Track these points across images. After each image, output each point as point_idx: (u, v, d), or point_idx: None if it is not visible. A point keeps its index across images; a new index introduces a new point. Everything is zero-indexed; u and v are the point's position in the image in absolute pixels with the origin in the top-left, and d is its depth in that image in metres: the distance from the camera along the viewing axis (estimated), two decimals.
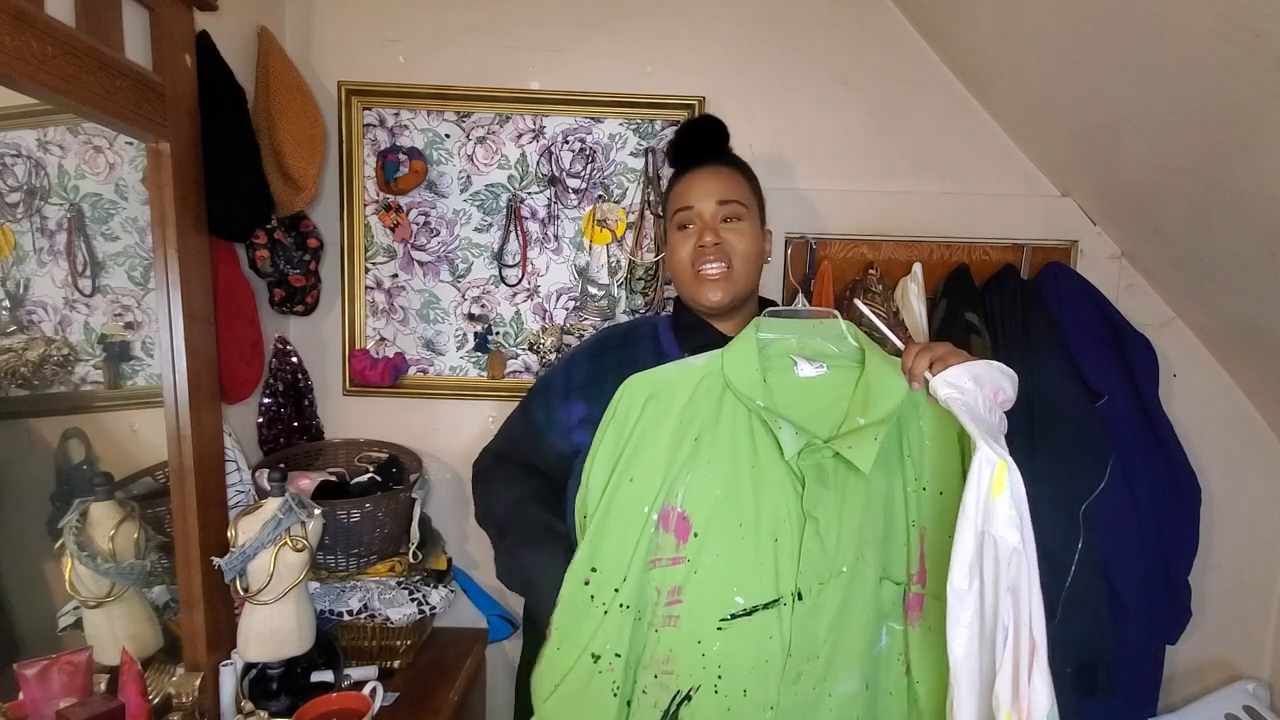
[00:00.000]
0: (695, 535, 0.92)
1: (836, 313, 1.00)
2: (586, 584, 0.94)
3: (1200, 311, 1.58)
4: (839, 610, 0.90)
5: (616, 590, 0.92)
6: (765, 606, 0.90)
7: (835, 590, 0.90)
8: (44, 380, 1.09)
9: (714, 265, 1.06)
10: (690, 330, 1.11)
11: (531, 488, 1.12)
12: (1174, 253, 1.49)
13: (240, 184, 1.29)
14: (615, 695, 0.92)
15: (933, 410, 0.94)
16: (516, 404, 1.23)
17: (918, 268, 1.54)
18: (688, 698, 0.91)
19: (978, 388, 0.86)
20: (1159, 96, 1.19)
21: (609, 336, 1.18)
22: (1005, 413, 0.89)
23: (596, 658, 0.92)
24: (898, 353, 0.97)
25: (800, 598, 0.90)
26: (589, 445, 1.01)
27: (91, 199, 1.15)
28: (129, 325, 1.20)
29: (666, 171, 1.60)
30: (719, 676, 0.91)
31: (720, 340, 1.07)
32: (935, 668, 0.91)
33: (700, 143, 1.15)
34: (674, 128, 1.59)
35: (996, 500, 0.75)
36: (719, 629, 0.91)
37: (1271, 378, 1.54)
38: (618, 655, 0.92)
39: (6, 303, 1.06)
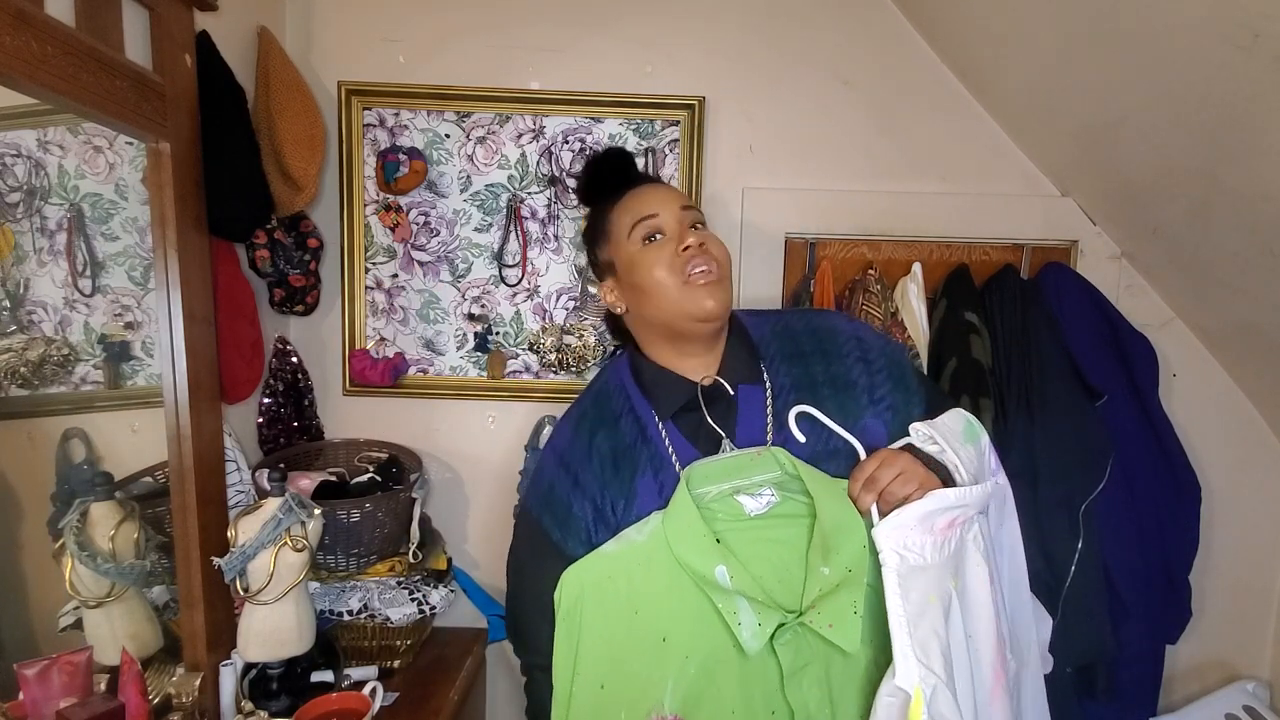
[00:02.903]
0: None
1: (765, 448, 0.90)
2: None
3: (1200, 311, 1.58)
4: None
5: None
6: None
7: None
8: (44, 380, 1.09)
9: (708, 272, 0.93)
10: (658, 390, 0.98)
11: None
12: (1174, 253, 1.49)
13: (240, 184, 1.29)
14: None
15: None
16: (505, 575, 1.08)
17: (917, 268, 1.54)
18: None
19: (926, 534, 0.79)
20: (1159, 96, 1.19)
21: (583, 418, 1.03)
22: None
23: None
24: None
25: None
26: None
27: (91, 199, 1.15)
28: (129, 325, 1.20)
29: (667, 171, 1.60)
30: None
31: (694, 400, 0.96)
32: None
33: (619, 170, 1.05)
34: (674, 127, 1.59)
35: None
36: None
37: (1271, 378, 1.54)
38: None
39: (6, 303, 1.06)
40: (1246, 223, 1.24)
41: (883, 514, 0.81)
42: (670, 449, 0.96)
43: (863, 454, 0.87)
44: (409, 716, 1.29)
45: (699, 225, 0.99)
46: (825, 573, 0.83)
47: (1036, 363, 1.42)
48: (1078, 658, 1.39)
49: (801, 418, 0.90)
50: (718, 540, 0.86)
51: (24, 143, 1.07)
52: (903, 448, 0.87)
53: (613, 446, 0.98)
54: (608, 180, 1.04)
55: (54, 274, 1.11)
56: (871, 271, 1.55)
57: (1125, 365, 1.51)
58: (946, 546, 0.81)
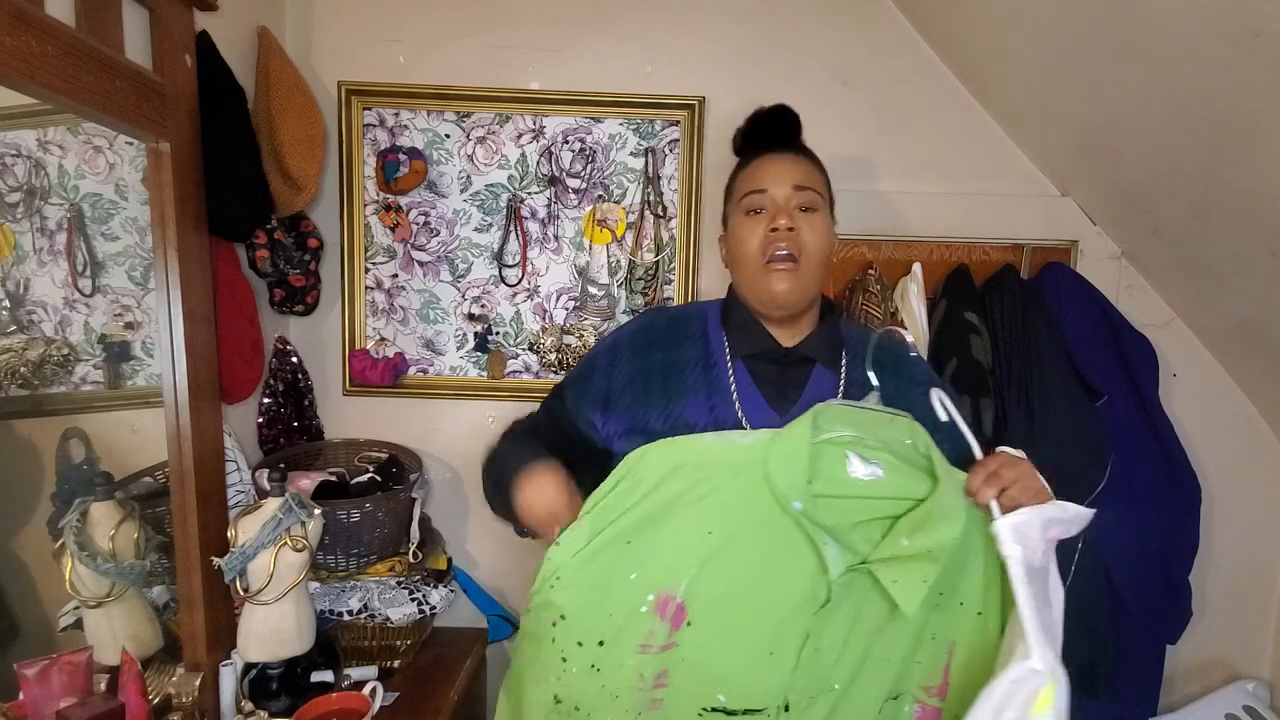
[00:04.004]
0: (689, 624, 0.87)
1: (909, 417, 0.89)
2: (554, 625, 0.88)
3: (1200, 311, 1.58)
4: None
5: (580, 644, 0.87)
6: (746, 713, 0.87)
7: (823, 705, 0.87)
8: (44, 380, 1.09)
9: (785, 252, 0.95)
10: (741, 332, 1.01)
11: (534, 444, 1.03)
12: (1174, 253, 1.49)
13: (240, 184, 1.29)
14: None
15: (982, 519, 0.84)
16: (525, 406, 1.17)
17: (917, 268, 1.54)
18: None
19: (1041, 537, 0.79)
20: (1159, 96, 1.19)
21: (654, 325, 1.06)
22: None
23: (558, 700, 0.89)
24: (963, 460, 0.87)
25: (787, 709, 0.87)
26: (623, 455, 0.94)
27: (91, 199, 1.15)
28: (129, 325, 1.20)
29: (667, 171, 1.61)
30: None
31: (775, 352, 0.99)
32: None
33: (776, 128, 1.04)
34: (674, 127, 1.59)
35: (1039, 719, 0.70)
36: (699, 717, 0.88)
37: (1271, 378, 1.54)
38: (577, 709, 0.88)
39: (6, 303, 1.06)
40: (1247, 222, 1.24)
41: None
42: (733, 383, 0.99)
43: (978, 452, 0.87)
44: (409, 716, 1.29)
45: (807, 209, 0.98)
46: (904, 544, 0.83)
47: (1036, 363, 1.42)
48: (1078, 658, 1.39)
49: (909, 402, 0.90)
50: (809, 481, 0.85)
51: (24, 143, 1.07)
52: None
53: (666, 364, 1.01)
54: (759, 138, 1.05)
55: (54, 274, 1.11)
56: (871, 271, 1.55)
57: (1125, 365, 1.51)
58: (1045, 558, 0.81)
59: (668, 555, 0.87)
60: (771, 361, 1.00)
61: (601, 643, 0.87)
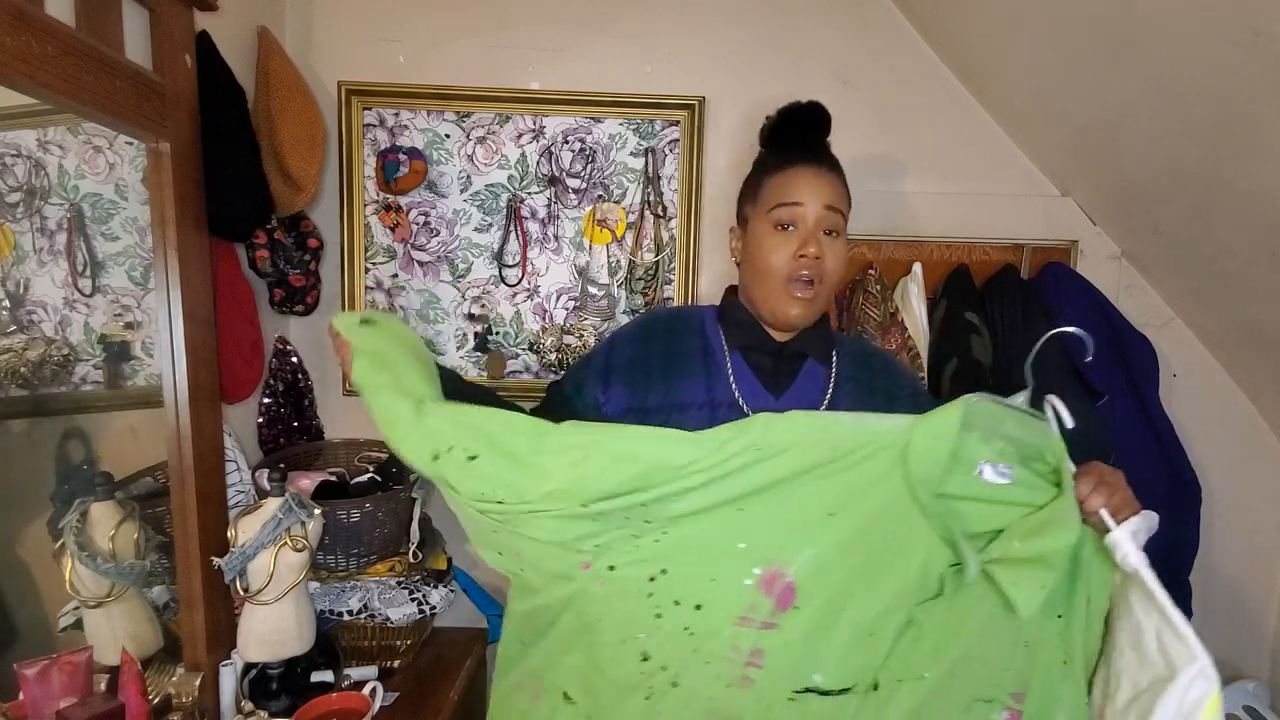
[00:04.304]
0: (796, 609, 0.84)
1: (1046, 424, 0.87)
2: (652, 579, 0.85)
3: (1200, 311, 1.58)
4: (910, 712, 0.86)
5: (677, 603, 0.85)
6: (840, 692, 0.86)
7: (910, 692, 0.86)
8: (44, 380, 1.09)
9: (807, 287, 0.97)
10: (738, 328, 1.04)
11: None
12: (1174, 253, 1.49)
13: (240, 184, 1.29)
14: (647, 699, 0.88)
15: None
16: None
17: (918, 268, 1.54)
18: None
19: (1139, 547, 0.80)
20: (1159, 96, 1.19)
21: (654, 320, 1.09)
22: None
23: (646, 657, 0.87)
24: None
25: (875, 688, 0.86)
26: None
27: (91, 199, 1.15)
28: (129, 325, 1.20)
29: (667, 171, 1.61)
30: None
31: (770, 345, 1.02)
32: None
33: (809, 130, 1.04)
34: (674, 127, 1.59)
35: None
36: (790, 699, 0.86)
37: (1271, 378, 1.54)
38: (664, 669, 0.87)
39: (6, 303, 1.06)
40: (1247, 222, 1.24)
41: (1091, 521, 0.82)
42: (730, 369, 1.02)
43: (1070, 469, 0.85)
44: (409, 716, 1.29)
45: (833, 232, 0.99)
46: (1016, 546, 0.82)
47: (1036, 363, 1.42)
48: None
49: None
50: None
51: (24, 143, 1.07)
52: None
53: (666, 350, 1.04)
54: (789, 136, 1.05)
55: (54, 274, 1.11)
56: (871, 271, 1.55)
57: (1125, 365, 1.51)
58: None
59: (783, 531, 0.84)
60: (766, 354, 1.03)
61: (699, 606, 0.85)
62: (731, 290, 1.10)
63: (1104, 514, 0.81)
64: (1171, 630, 0.74)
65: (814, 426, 0.84)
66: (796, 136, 1.04)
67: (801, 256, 0.96)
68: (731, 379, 1.01)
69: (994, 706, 0.88)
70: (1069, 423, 0.86)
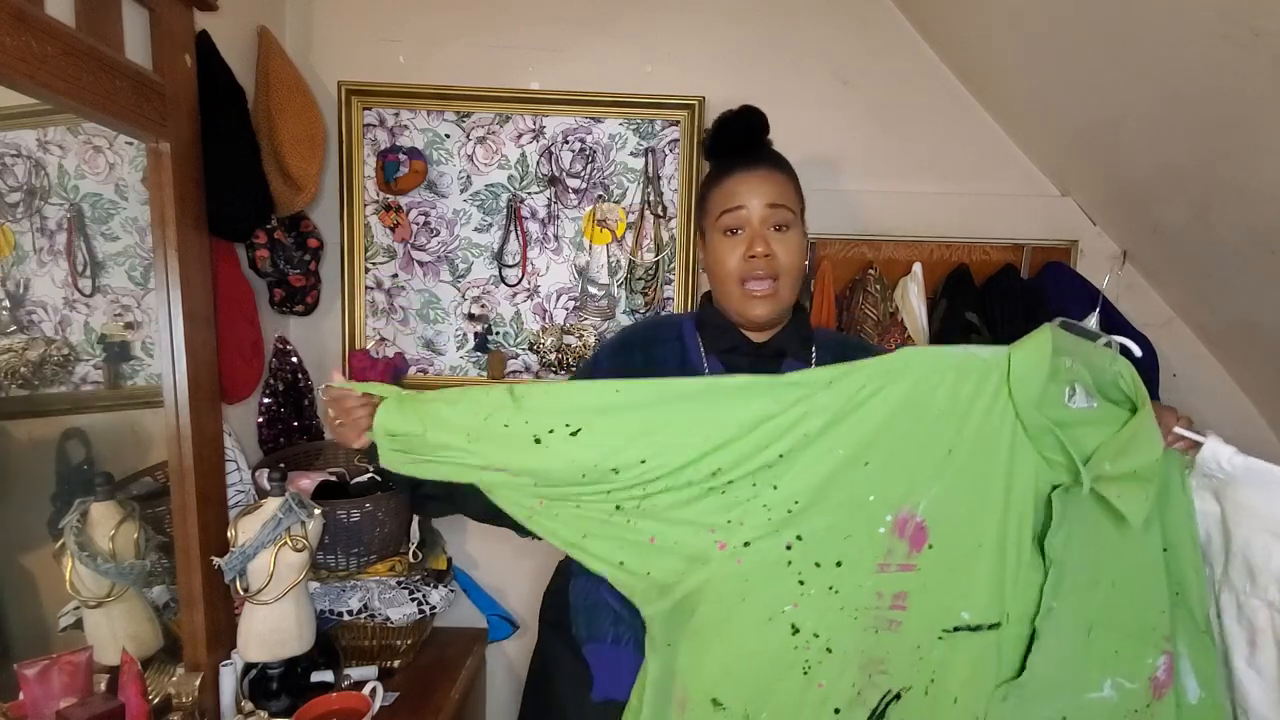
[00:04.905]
0: (930, 547, 0.86)
1: (1112, 340, 0.91)
2: (789, 548, 0.86)
3: (1200, 311, 1.58)
4: (1056, 644, 0.87)
5: (818, 565, 0.85)
6: (990, 627, 0.87)
7: (1055, 625, 0.87)
8: (44, 380, 1.09)
9: (762, 283, 1.00)
10: (716, 333, 1.06)
11: None
12: (1174, 252, 1.49)
13: (240, 184, 1.29)
14: (805, 674, 0.87)
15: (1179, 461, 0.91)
16: None
17: (918, 268, 1.54)
18: (897, 697, 0.88)
19: None
20: (1159, 95, 1.19)
21: (633, 334, 1.13)
22: None
23: (796, 630, 0.86)
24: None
25: (1030, 622, 0.87)
26: None
27: (91, 199, 1.15)
28: (129, 325, 1.20)
29: (667, 171, 1.61)
30: (932, 680, 0.88)
31: (747, 346, 1.04)
32: None
33: (744, 135, 1.07)
34: (674, 127, 1.59)
35: None
36: (939, 638, 0.87)
37: (1271, 377, 1.54)
38: (816, 636, 0.86)
39: (6, 303, 1.06)
40: (1247, 221, 1.24)
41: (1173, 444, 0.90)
42: (708, 373, 1.04)
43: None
44: (409, 716, 1.29)
45: (781, 227, 1.01)
46: (1107, 467, 0.85)
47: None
48: None
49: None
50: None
51: (24, 143, 1.07)
52: None
53: (645, 361, 1.06)
54: (727, 144, 1.07)
55: (54, 274, 1.11)
56: (871, 271, 1.55)
57: None
58: None
59: (907, 475, 0.85)
60: (744, 355, 1.04)
61: (839, 563, 0.86)
62: (708, 296, 1.11)
63: (1185, 432, 0.87)
64: None
65: (922, 354, 0.87)
66: (737, 143, 1.07)
67: (751, 257, 0.99)
68: None
69: (1149, 646, 0.89)
70: (1137, 352, 0.92)
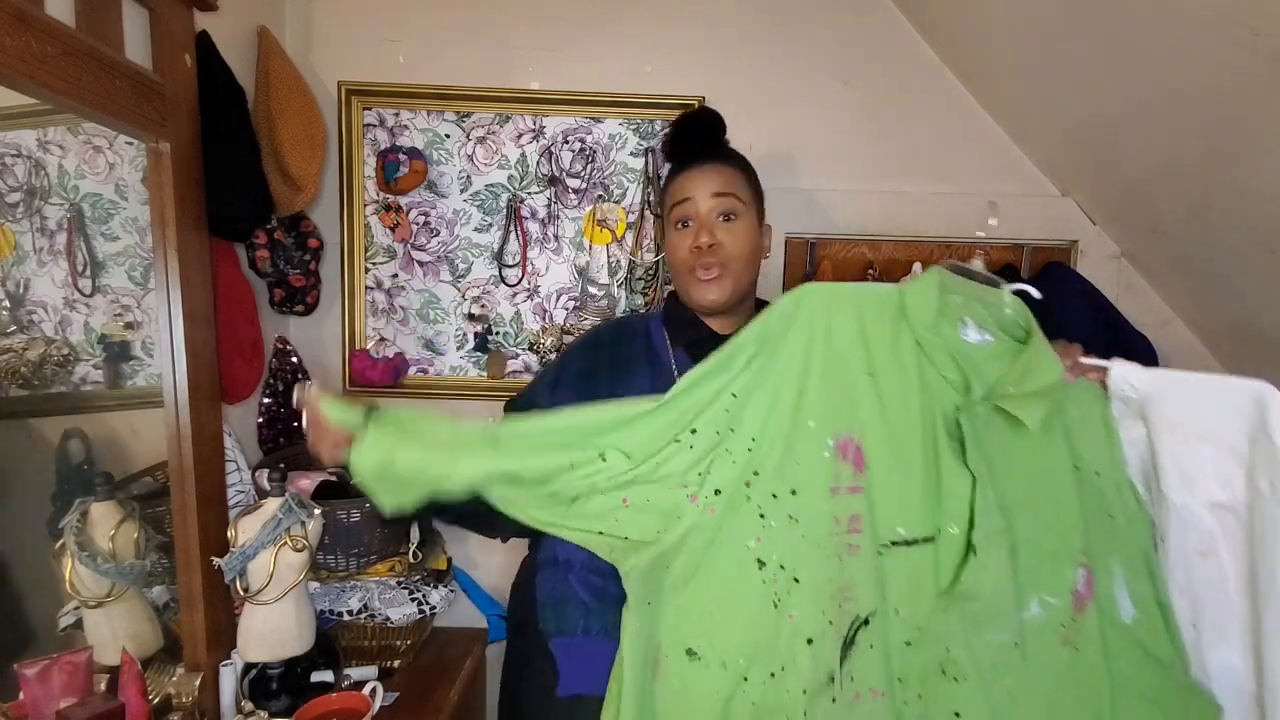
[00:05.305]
0: (869, 468, 0.91)
1: (1001, 281, 0.97)
2: (748, 484, 0.91)
3: (1200, 311, 1.58)
4: (996, 561, 0.89)
5: (775, 496, 0.90)
6: (925, 540, 0.90)
7: (987, 541, 0.89)
8: (44, 380, 1.09)
9: (710, 270, 1.05)
10: (682, 326, 1.11)
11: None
12: (1174, 252, 1.49)
13: (240, 184, 1.29)
14: (776, 607, 0.89)
15: (1078, 392, 0.93)
16: None
17: (918, 268, 1.54)
18: (865, 622, 0.90)
19: None
20: (1158, 95, 1.19)
21: (601, 333, 1.17)
22: None
23: (763, 564, 0.90)
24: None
25: (958, 536, 0.90)
26: None
27: (91, 199, 1.15)
28: (129, 325, 1.20)
29: (666, 170, 1.61)
30: (884, 598, 0.91)
31: (712, 338, 1.06)
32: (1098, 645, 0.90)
33: (697, 135, 1.12)
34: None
35: None
36: (879, 553, 0.91)
37: (1271, 378, 1.53)
38: (782, 568, 0.90)
39: (6, 303, 1.06)
40: (1246, 221, 1.24)
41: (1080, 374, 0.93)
42: (674, 365, 1.08)
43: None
44: (409, 716, 1.29)
45: (728, 215, 1.07)
46: (1011, 391, 0.90)
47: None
48: None
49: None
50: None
51: (24, 143, 1.07)
52: None
53: (612, 357, 1.10)
54: (682, 144, 1.13)
55: (54, 274, 1.11)
56: (871, 271, 1.55)
57: None
58: None
59: (837, 399, 0.92)
60: (709, 345, 1.04)
61: (794, 491, 0.90)
62: (673, 295, 1.16)
63: (1089, 360, 0.90)
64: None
65: (817, 288, 0.95)
66: (694, 143, 1.11)
67: (696, 247, 1.05)
68: (675, 373, 1.05)
69: (1065, 561, 0.91)
70: (1036, 295, 0.97)
